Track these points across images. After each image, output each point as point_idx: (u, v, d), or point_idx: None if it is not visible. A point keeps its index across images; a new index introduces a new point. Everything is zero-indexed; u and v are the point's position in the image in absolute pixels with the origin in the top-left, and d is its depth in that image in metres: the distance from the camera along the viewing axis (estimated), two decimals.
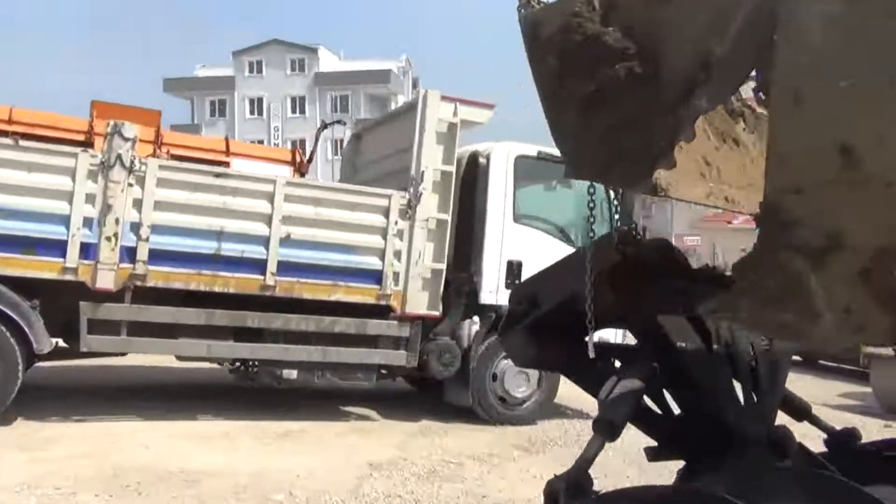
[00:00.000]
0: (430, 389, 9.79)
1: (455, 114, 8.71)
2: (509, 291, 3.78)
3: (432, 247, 8.66)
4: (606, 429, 2.37)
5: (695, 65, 1.80)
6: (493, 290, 9.02)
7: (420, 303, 8.63)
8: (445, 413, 9.11)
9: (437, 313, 8.76)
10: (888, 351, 11.97)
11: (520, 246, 9.10)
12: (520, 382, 9.12)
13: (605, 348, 2.68)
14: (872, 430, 10.00)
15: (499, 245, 9.04)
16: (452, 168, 8.71)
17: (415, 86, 55.60)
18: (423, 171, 8.50)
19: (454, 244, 8.91)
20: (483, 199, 9.03)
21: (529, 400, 9.18)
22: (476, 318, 9.00)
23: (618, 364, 2.69)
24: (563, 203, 9.97)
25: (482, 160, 9.08)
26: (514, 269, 9.04)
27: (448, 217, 8.70)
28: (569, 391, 9.36)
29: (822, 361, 17.03)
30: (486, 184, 9.04)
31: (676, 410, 2.77)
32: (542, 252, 9.16)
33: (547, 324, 2.68)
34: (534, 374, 9.12)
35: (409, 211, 8.49)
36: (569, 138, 2.19)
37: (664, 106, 1.86)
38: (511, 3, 2.19)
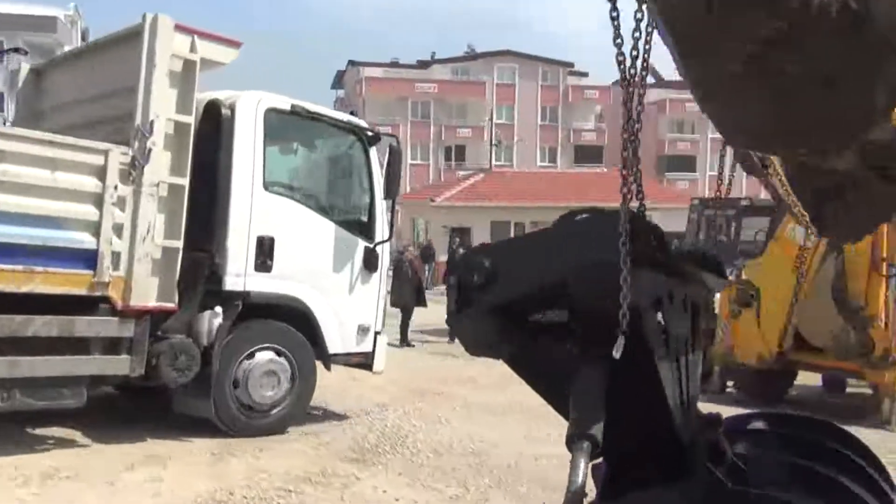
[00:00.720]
0: (150, 396, 7.84)
1: (193, 49, 6.83)
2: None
3: (164, 219, 6.73)
4: (588, 446, 2.09)
5: None
6: (240, 273, 7.31)
7: (149, 292, 6.68)
8: (177, 426, 7.29)
9: (171, 305, 6.86)
10: None
11: (271, 219, 7.50)
12: (268, 385, 7.54)
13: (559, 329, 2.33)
14: None
15: (246, 218, 7.33)
16: (191, 119, 6.84)
17: (84, 38, 49.40)
18: (152, 121, 6.52)
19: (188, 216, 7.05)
20: (226, 161, 7.24)
21: (279, 405, 7.63)
22: (218, 309, 7.20)
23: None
24: (318, 168, 8.54)
25: (225, 111, 7.27)
26: (265, 246, 7.42)
27: (185, 182, 6.82)
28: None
29: None
30: (230, 141, 7.25)
31: None
32: (296, 226, 7.71)
33: (508, 306, 2.32)
34: (285, 375, 7.60)
35: (133, 173, 6.49)
36: (726, 96, 1.68)
37: (888, 52, 1.51)
38: None
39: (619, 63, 1.96)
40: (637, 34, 1.92)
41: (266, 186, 7.47)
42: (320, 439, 7.49)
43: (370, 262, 8.24)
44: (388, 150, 8.20)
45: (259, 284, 7.42)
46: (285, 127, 7.76)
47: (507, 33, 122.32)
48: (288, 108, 7.64)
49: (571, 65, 62.19)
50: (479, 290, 2.33)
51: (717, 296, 12.59)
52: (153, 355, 6.81)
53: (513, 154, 54.88)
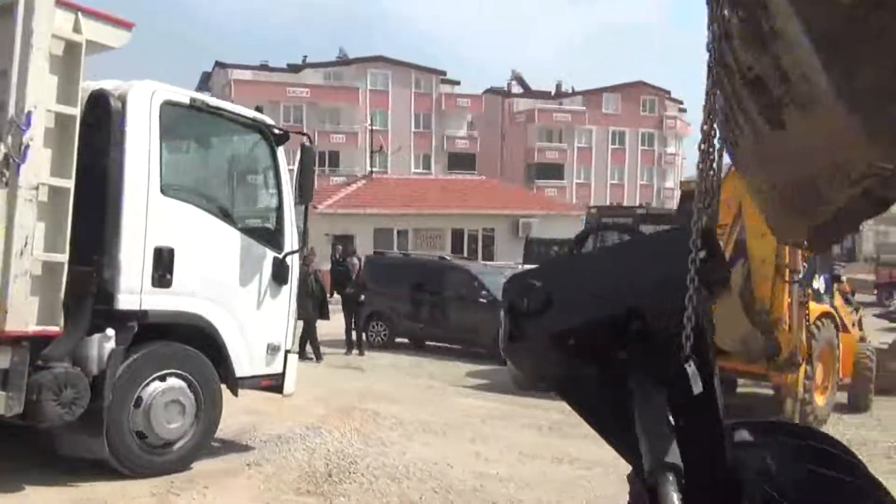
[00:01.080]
0: (20, 436, 6.70)
1: (77, 28, 5.86)
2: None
3: (45, 228, 5.73)
4: (674, 477, 1.88)
5: None
6: (135, 290, 6.36)
7: (27, 315, 5.66)
8: (64, 468, 6.27)
9: (55, 328, 5.85)
10: None
11: (170, 227, 6.59)
12: (172, 417, 6.61)
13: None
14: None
15: (142, 226, 6.39)
16: (76, 111, 5.86)
17: None
18: (29, 112, 5.51)
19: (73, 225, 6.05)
20: (117, 161, 6.27)
21: (183, 439, 6.70)
22: (110, 332, 6.22)
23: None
24: (221, 170, 7.66)
25: (114, 104, 6.30)
26: (163, 258, 6.50)
27: (70, 184, 5.83)
28: None
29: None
30: (120, 138, 6.29)
31: None
32: (198, 235, 6.84)
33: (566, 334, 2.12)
34: (189, 404, 6.70)
35: (5, 173, 5.45)
36: (874, 104, 1.48)
37: None
38: None
39: (710, 68, 1.84)
40: (716, 41, 1.78)
41: (163, 190, 6.55)
42: (264, 470, 6.79)
43: (279, 274, 7.45)
44: (299, 150, 7.44)
45: (157, 302, 6.50)
46: (183, 122, 6.86)
47: (378, 38, 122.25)
48: (186, 101, 6.76)
49: (444, 73, 62.46)
50: (534, 316, 2.15)
51: None
52: (33, 389, 5.76)
53: (387, 160, 54.54)
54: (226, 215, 7.18)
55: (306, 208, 7.52)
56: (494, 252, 33.47)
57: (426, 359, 16.20)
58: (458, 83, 64.87)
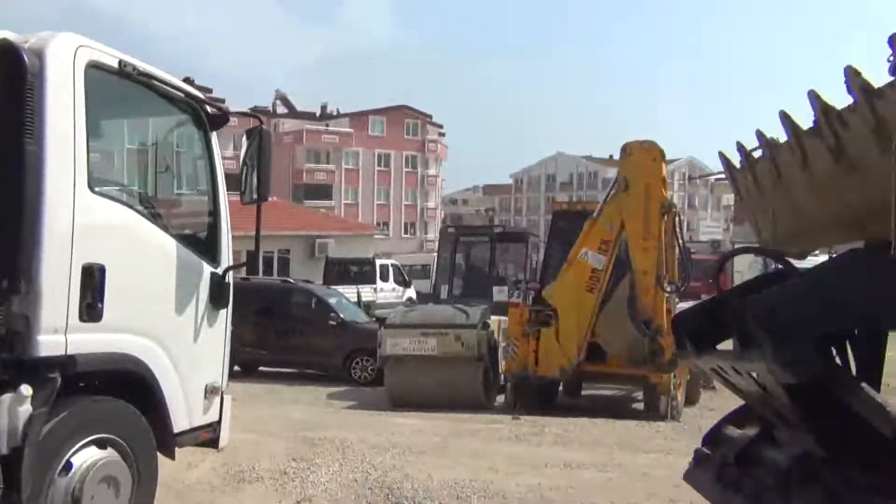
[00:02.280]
0: None
1: None
2: None
3: None
4: None
5: None
6: (59, 328, 4.48)
7: None
8: None
9: None
10: (402, 350, 12.58)
11: (99, 236, 4.75)
12: (107, 497, 4.76)
13: None
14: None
15: (67, 235, 4.51)
16: None
17: None
18: None
19: None
20: (36, 142, 4.36)
21: None
22: (25, 389, 4.27)
23: None
24: (149, 159, 5.87)
25: (30, 60, 4.38)
26: (94, 280, 4.64)
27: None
28: None
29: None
30: (38, 111, 4.39)
31: None
32: (132, 247, 5.10)
33: None
34: (126, 479, 4.89)
35: None
36: None
37: None
38: None
39: None
40: None
41: (90, 185, 4.69)
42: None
43: (218, 294, 5.80)
44: (250, 135, 5.87)
45: (86, 342, 4.63)
46: (108, 93, 5.00)
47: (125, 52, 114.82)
48: (115, 64, 4.92)
49: (210, 90, 59.58)
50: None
51: (501, 318, 12.91)
52: None
53: None
54: (158, 218, 5.41)
55: (259, 208, 5.90)
56: (290, 273, 31.74)
57: (275, 385, 15.19)
58: (223, 101, 62.13)
